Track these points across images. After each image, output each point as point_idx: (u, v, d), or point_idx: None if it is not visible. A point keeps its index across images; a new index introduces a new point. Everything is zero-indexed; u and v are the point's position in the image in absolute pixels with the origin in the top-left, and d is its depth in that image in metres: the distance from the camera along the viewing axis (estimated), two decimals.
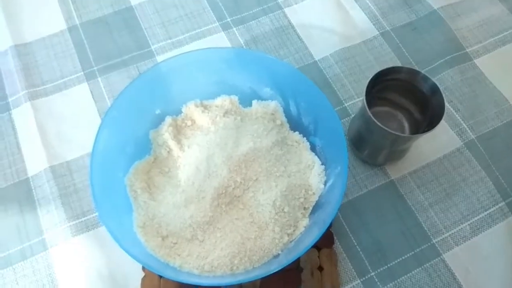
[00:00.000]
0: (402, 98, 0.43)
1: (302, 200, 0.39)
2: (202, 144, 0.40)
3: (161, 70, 0.41)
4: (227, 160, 0.39)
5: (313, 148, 0.42)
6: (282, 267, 0.33)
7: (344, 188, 0.35)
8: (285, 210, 0.38)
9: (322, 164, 0.40)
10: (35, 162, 0.45)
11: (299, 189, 0.39)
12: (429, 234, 0.43)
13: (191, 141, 0.41)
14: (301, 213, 0.39)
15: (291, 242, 0.38)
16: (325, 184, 0.39)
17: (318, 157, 0.41)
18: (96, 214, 0.43)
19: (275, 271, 0.33)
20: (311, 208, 0.39)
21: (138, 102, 0.40)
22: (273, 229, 0.37)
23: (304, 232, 0.37)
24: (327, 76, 0.50)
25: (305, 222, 0.38)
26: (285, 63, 0.48)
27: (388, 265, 0.41)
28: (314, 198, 0.39)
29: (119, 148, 0.39)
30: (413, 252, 0.42)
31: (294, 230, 0.38)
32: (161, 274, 0.35)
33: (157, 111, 0.42)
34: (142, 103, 0.40)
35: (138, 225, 0.37)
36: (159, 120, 0.43)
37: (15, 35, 0.52)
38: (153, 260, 0.35)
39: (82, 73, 0.50)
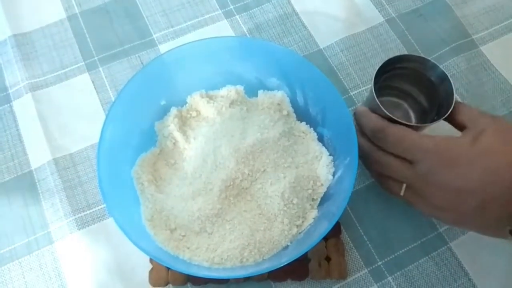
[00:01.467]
0: (409, 87, 0.42)
1: (310, 191, 0.39)
2: (208, 136, 0.40)
3: (165, 60, 0.40)
4: (234, 152, 0.39)
5: (320, 139, 0.41)
6: (293, 259, 0.33)
7: (354, 179, 0.35)
8: (294, 201, 0.38)
9: (330, 155, 0.40)
10: (38, 155, 0.45)
11: (307, 180, 0.39)
12: (435, 223, 0.43)
13: (196, 133, 0.41)
14: (310, 205, 0.39)
15: (300, 233, 0.38)
16: (333, 175, 0.39)
17: (326, 148, 0.40)
18: (102, 206, 0.42)
19: (286, 263, 0.33)
20: (319, 199, 0.39)
21: (142, 93, 0.39)
22: (282, 221, 0.37)
23: (313, 224, 0.37)
24: (332, 65, 0.49)
25: (313, 213, 0.38)
26: (291, 51, 0.47)
27: (395, 254, 0.41)
28: (323, 190, 0.39)
29: (125, 141, 0.38)
30: (420, 241, 0.42)
31: (302, 222, 0.38)
32: (171, 267, 0.35)
33: (162, 102, 0.42)
34: (146, 94, 0.40)
35: (146, 218, 0.37)
36: (164, 111, 0.42)
37: (13, 24, 0.50)
38: (163, 253, 0.35)
39: (83, 63, 0.49)
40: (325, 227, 0.34)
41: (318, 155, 0.40)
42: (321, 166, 0.40)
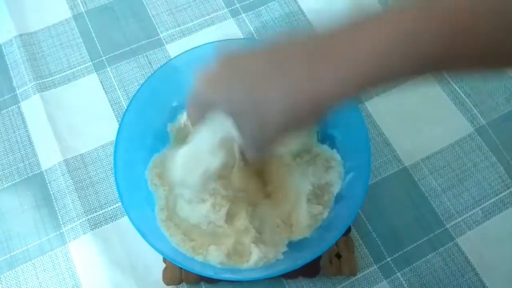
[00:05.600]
0: None
1: (319, 192, 0.39)
2: None
3: (176, 64, 0.41)
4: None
5: (332, 140, 0.42)
6: (307, 262, 0.34)
7: (367, 183, 0.35)
8: (303, 202, 0.39)
9: (341, 157, 0.40)
10: (48, 156, 0.45)
11: (319, 182, 0.39)
12: (442, 219, 0.43)
13: None
14: (322, 207, 0.39)
15: (312, 235, 0.38)
16: (345, 177, 0.39)
17: (338, 149, 0.41)
18: (114, 207, 0.43)
19: (300, 266, 0.34)
20: (331, 202, 0.39)
21: (155, 96, 0.40)
22: (295, 222, 0.38)
23: (325, 226, 0.38)
24: None
25: (325, 215, 0.39)
26: None
27: (404, 250, 0.42)
28: (334, 191, 0.39)
29: (139, 142, 0.39)
30: (427, 237, 0.43)
31: (315, 223, 0.39)
32: (187, 269, 0.35)
33: (174, 104, 0.42)
34: (158, 97, 0.40)
35: (161, 219, 0.38)
36: (176, 112, 0.42)
37: (19, 24, 0.50)
38: (178, 254, 0.36)
39: (91, 63, 0.49)
40: (337, 232, 0.34)
41: (329, 157, 0.41)
42: (333, 170, 0.40)
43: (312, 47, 0.26)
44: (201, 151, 0.33)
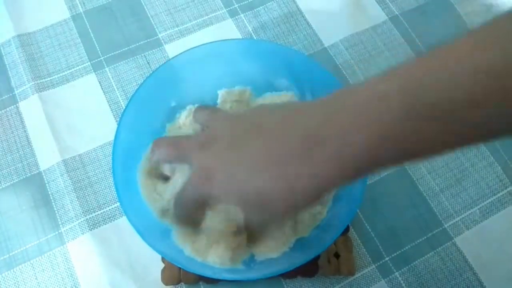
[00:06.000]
0: None
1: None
2: None
3: (174, 64, 0.40)
4: None
5: None
6: (305, 261, 0.34)
7: (365, 183, 0.35)
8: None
9: None
10: (47, 156, 0.45)
11: None
12: (440, 219, 0.44)
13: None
14: (321, 206, 0.39)
15: (310, 235, 0.38)
16: None
17: None
18: (113, 207, 0.43)
19: (299, 265, 0.34)
20: (329, 201, 0.39)
21: (153, 97, 0.39)
22: (291, 222, 0.38)
23: (323, 226, 0.38)
24: (337, 63, 0.50)
25: (323, 214, 0.39)
26: (300, 52, 0.48)
27: (402, 250, 0.42)
28: (333, 191, 0.39)
29: (137, 143, 0.39)
30: (425, 237, 0.43)
31: (313, 223, 0.39)
32: (186, 269, 0.35)
33: (173, 104, 0.42)
34: (157, 97, 0.40)
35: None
36: (174, 112, 0.42)
37: (17, 24, 0.50)
38: (177, 254, 0.36)
39: (89, 63, 0.49)
40: (335, 231, 0.35)
41: None
42: None
43: (305, 132, 0.27)
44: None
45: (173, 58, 0.41)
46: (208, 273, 0.35)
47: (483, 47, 0.24)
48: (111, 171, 0.37)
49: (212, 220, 0.33)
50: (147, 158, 0.39)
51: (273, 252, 0.37)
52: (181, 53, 0.41)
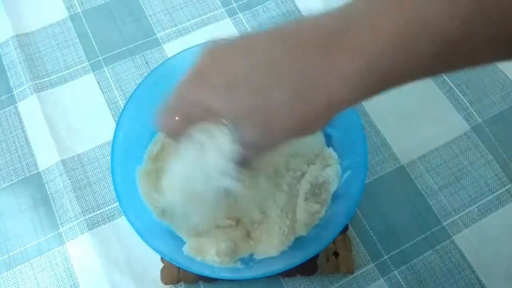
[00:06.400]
0: None
1: (317, 191, 0.40)
2: None
3: (174, 63, 0.40)
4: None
5: (329, 139, 0.42)
6: (304, 260, 0.34)
7: (364, 183, 0.35)
8: (301, 201, 0.39)
9: (338, 156, 0.41)
10: (46, 156, 0.45)
11: (316, 179, 0.40)
12: (439, 217, 0.44)
13: None
14: (319, 205, 0.39)
15: (309, 234, 0.38)
16: (342, 176, 0.40)
17: (334, 148, 0.41)
18: (112, 206, 0.43)
19: (298, 264, 0.34)
20: (327, 200, 0.40)
21: (153, 95, 0.39)
22: (290, 220, 0.38)
23: (322, 225, 0.38)
24: None
25: (322, 213, 0.39)
26: None
27: (401, 248, 0.42)
28: (332, 189, 0.40)
29: (137, 142, 0.39)
30: (424, 235, 0.43)
31: (311, 222, 0.39)
32: (185, 268, 0.36)
33: None
34: (156, 96, 0.39)
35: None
36: None
37: (15, 24, 0.50)
38: (177, 254, 0.36)
39: (87, 63, 0.49)
40: (334, 229, 0.35)
41: (327, 157, 0.41)
42: (331, 169, 0.40)
43: (318, 33, 0.23)
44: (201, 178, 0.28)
45: (171, 57, 0.41)
46: (207, 272, 0.35)
47: None
48: (110, 170, 0.37)
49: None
50: (149, 157, 0.39)
51: (272, 250, 0.37)
52: (179, 52, 0.40)
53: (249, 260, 0.37)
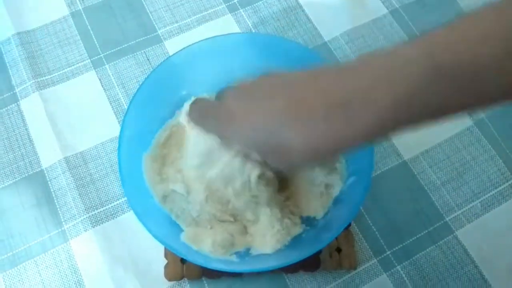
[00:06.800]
0: None
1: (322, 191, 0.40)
2: None
3: (177, 60, 0.41)
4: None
5: None
6: (298, 260, 0.35)
7: (368, 186, 0.36)
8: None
9: (344, 159, 0.40)
10: (49, 154, 0.45)
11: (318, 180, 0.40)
12: (441, 212, 0.44)
13: None
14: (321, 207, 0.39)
15: (312, 231, 0.38)
16: (346, 180, 0.39)
17: None
18: (115, 203, 0.43)
19: (292, 263, 0.35)
20: (329, 202, 0.40)
21: (163, 85, 0.40)
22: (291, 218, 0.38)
23: (320, 227, 0.38)
24: (338, 57, 0.50)
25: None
26: (310, 49, 0.48)
27: (403, 244, 0.42)
28: (333, 193, 0.40)
29: (146, 132, 0.39)
30: (427, 231, 0.43)
31: (314, 217, 0.39)
32: (191, 261, 0.36)
33: (184, 92, 0.42)
34: (167, 86, 0.40)
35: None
36: (184, 100, 0.42)
37: (16, 22, 0.50)
38: (184, 247, 0.36)
39: (89, 60, 0.49)
40: (331, 233, 0.35)
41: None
42: (336, 173, 0.40)
43: (330, 91, 0.27)
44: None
45: (175, 54, 0.41)
46: (200, 261, 0.35)
47: (501, 13, 0.25)
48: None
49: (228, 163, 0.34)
50: (157, 144, 0.40)
51: (267, 248, 0.37)
52: (183, 48, 0.41)
53: (244, 255, 0.37)
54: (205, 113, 0.34)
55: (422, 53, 0.25)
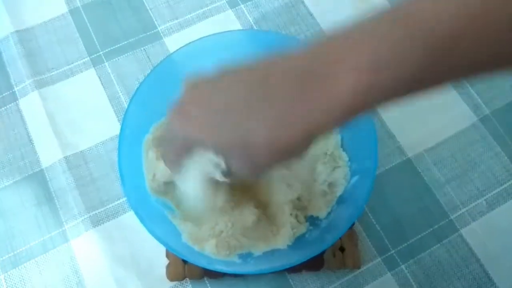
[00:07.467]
0: None
1: (325, 190, 0.39)
2: None
3: (177, 57, 0.40)
4: None
5: (341, 140, 0.41)
6: (300, 262, 0.34)
7: (372, 186, 0.35)
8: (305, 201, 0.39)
9: (348, 158, 0.40)
10: (49, 153, 0.44)
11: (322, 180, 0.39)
12: (446, 210, 0.43)
13: None
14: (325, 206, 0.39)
15: (315, 232, 0.38)
16: (350, 179, 0.39)
17: (345, 150, 0.40)
18: (116, 203, 0.43)
19: (295, 264, 0.34)
20: (333, 202, 0.39)
21: (164, 83, 0.39)
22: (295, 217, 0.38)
23: (323, 227, 0.38)
24: None
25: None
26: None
27: (408, 243, 0.42)
28: (337, 192, 0.39)
29: (146, 130, 0.39)
30: (431, 229, 0.42)
31: (318, 217, 0.38)
32: (193, 262, 0.36)
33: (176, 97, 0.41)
34: (168, 83, 0.39)
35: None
36: None
37: (15, 20, 0.49)
38: (186, 249, 0.36)
39: (88, 58, 0.48)
40: (341, 228, 0.35)
41: (337, 158, 0.40)
42: (340, 171, 0.40)
43: (294, 73, 0.24)
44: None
45: (175, 51, 0.41)
46: (202, 263, 0.35)
47: None
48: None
49: (193, 166, 0.29)
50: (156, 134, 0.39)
51: (279, 242, 0.37)
52: (184, 46, 0.40)
53: (247, 256, 0.37)
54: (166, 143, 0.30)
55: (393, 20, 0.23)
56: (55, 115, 0.46)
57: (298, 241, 0.37)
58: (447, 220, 0.43)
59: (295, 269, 0.40)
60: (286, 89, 0.24)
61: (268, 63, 0.26)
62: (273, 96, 0.24)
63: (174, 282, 0.40)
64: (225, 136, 0.25)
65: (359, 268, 0.41)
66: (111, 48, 0.49)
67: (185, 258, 0.36)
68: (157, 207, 0.38)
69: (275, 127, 0.24)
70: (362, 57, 0.23)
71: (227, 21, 0.50)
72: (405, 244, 0.42)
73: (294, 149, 0.25)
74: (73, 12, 0.50)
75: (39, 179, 0.44)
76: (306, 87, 0.24)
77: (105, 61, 0.48)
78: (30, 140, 0.45)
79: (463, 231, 0.42)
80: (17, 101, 0.46)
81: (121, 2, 0.51)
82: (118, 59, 0.48)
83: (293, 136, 0.24)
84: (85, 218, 0.42)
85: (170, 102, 0.28)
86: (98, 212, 0.42)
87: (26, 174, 0.44)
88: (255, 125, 0.24)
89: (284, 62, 0.25)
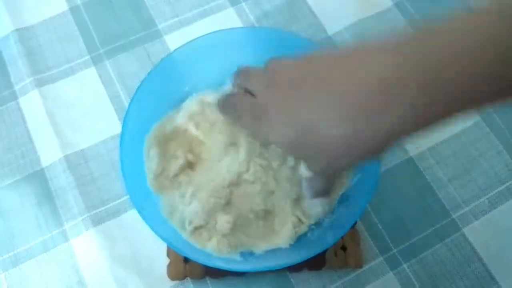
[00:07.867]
0: None
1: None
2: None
3: (178, 56, 0.40)
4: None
5: None
6: (302, 260, 0.34)
7: (375, 184, 0.35)
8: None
9: None
10: (49, 152, 0.44)
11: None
12: (448, 209, 0.43)
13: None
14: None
15: (317, 230, 0.38)
16: (353, 177, 0.39)
17: None
18: (116, 202, 0.42)
19: (296, 263, 0.34)
20: (335, 200, 0.39)
21: (165, 81, 0.39)
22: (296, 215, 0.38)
23: (325, 226, 0.38)
24: None
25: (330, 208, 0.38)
26: (315, 43, 0.47)
27: (410, 242, 0.42)
28: (339, 190, 0.39)
29: (148, 129, 0.39)
30: (433, 228, 0.42)
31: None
32: (195, 260, 0.35)
33: (186, 88, 0.41)
34: (169, 82, 0.40)
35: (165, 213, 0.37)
36: (187, 97, 0.41)
37: (15, 19, 0.49)
38: (187, 246, 0.36)
39: (89, 56, 0.48)
40: (343, 227, 0.35)
41: None
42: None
43: (376, 77, 0.25)
44: None
45: (177, 49, 0.40)
46: (202, 260, 0.35)
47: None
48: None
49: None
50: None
51: (281, 240, 0.37)
52: (185, 44, 0.40)
53: (248, 254, 0.37)
54: (239, 110, 0.32)
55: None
56: (55, 113, 0.45)
57: (300, 240, 0.37)
58: (449, 219, 0.42)
59: (296, 268, 0.40)
60: (359, 96, 0.25)
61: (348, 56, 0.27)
62: (346, 104, 0.25)
63: (175, 282, 0.40)
64: (300, 142, 0.27)
65: (361, 267, 0.41)
66: (112, 46, 0.48)
67: (186, 255, 0.36)
68: (158, 204, 0.38)
69: (347, 136, 0.25)
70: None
71: (228, 19, 0.50)
72: (407, 243, 0.42)
73: (368, 156, 0.26)
74: (73, 10, 0.50)
75: (39, 178, 0.43)
76: (390, 91, 0.24)
77: (105, 59, 0.48)
78: (30, 139, 0.45)
79: (465, 230, 0.42)
80: (17, 100, 0.46)
81: (121, 0, 0.50)
82: (119, 57, 0.48)
83: (369, 147, 0.25)
84: (85, 217, 0.42)
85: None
86: (99, 211, 0.42)
87: (26, 173, 0.44)
88: (329, 133, 0.25)
89: (360, 63, 0.26)
